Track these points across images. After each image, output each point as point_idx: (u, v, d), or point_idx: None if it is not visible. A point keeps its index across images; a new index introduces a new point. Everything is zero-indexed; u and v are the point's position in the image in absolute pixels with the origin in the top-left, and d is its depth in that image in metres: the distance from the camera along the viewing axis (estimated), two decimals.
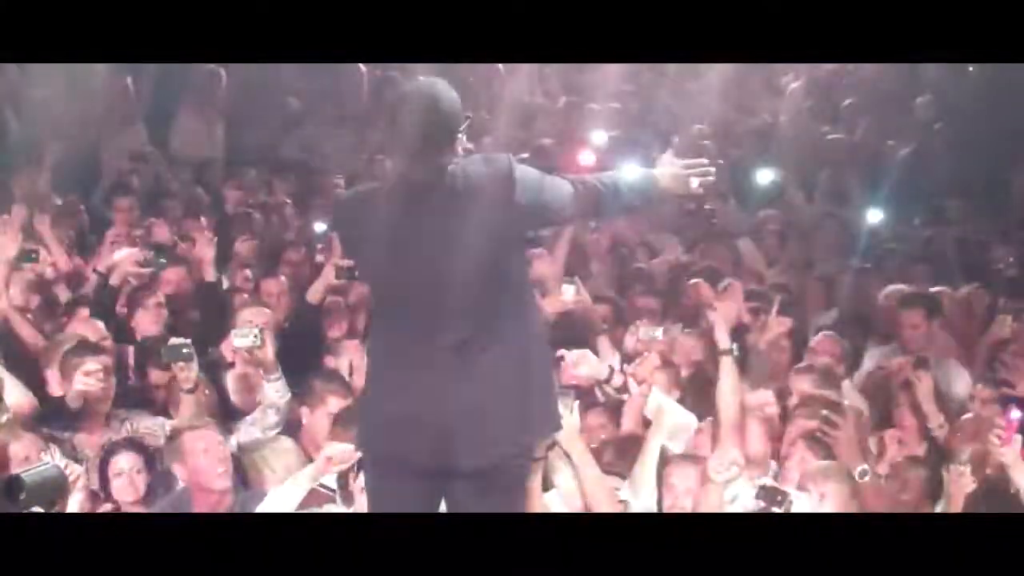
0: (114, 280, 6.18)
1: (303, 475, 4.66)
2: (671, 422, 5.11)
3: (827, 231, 8.29)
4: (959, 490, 4.59)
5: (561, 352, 5.29)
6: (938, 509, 4.84)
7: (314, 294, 6.38)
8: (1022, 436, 4.38)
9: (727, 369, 5.06)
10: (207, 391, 5.37)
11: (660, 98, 11.00)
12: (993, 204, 8.97)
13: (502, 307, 3.62)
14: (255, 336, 5.24)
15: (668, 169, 3.90)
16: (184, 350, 5.07)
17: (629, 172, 3.89)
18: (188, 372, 5.11)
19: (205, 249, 6.58)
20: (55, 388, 5.32)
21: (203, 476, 4.70)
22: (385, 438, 3.74)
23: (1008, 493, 4.44)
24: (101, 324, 5.83)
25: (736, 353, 5.22)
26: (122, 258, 6.24)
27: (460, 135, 3.60)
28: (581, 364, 5.35)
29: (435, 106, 3.57)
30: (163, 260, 6.31)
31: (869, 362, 6.35)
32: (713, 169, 3.94)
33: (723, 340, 5.17)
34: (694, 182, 3.91)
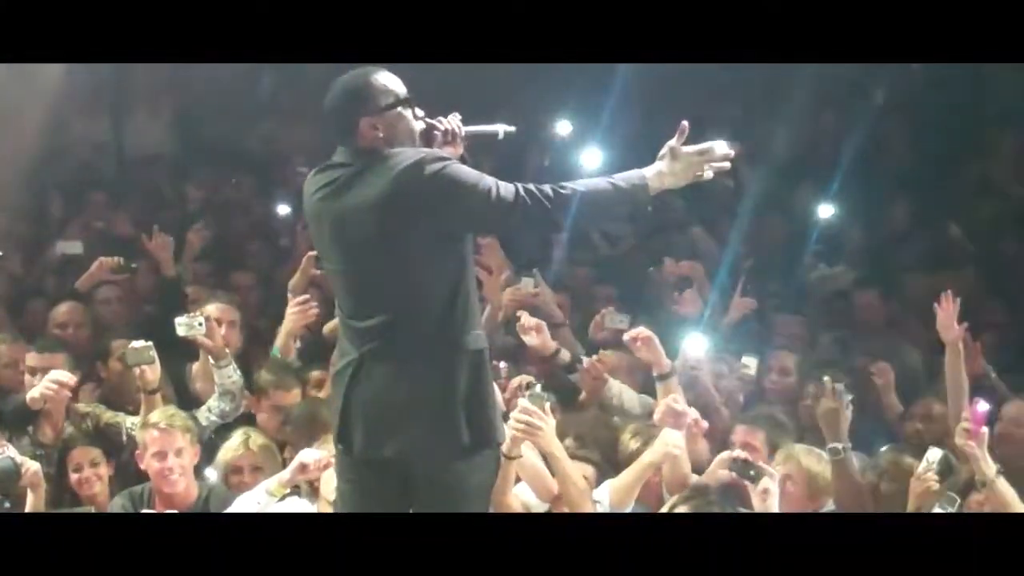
0: (81, 286, 6.15)
1: (275, 480, 4.61)
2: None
3: (772, 225, 8.36)
4: (922, 488, 4.59)
5: (520, 313, 5.31)
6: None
7: (296, 286, 6.40)
8: (988, 428, 4.40)
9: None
10: (165, 390, 5.36)
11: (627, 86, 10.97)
12: (951, 192, 9.04)
13: (424, 304, 3.57)
14: (199, 324, 5.28)
15: (672, 162, 3.63)
16: (148, 352, 5.10)
17: (618, 177, 3.62)
18: (151, 374, 5.11)
19: (163, 246, 6.56)
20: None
21: (157, 477, 4.70)
22: (336, 429, 3.77)
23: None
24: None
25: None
26: (95, 267, 6.20)
27: (367, 120, 3.59)
28: (531, 331, 5.35)
29: (335, 91, 3.67)
30: (134, 266, 6.29)
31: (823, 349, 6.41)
32: (732, 152, 3.66)
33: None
34: (708, 171, 3.67)
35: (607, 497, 4.69)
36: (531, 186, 3.57)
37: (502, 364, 5.35)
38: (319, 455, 4.53)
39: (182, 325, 5.33)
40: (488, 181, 3.55)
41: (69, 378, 5.02)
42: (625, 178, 3.63)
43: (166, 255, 6.53)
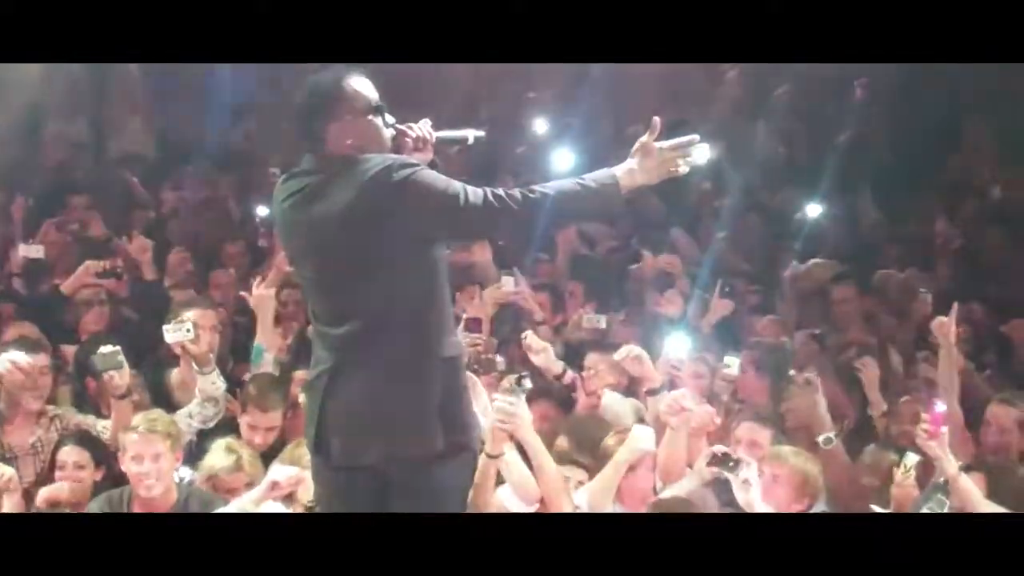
0: (67, 289, 6.09)
1: (247, 500, 4.56)
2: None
3: (750, 224, 8.38)
4: (902, 493, 4.64)
5: (526, 333, 5.33)
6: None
7: (270, 284, 6.36)
8: (947, 428, 4.41)
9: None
10: (137, 395, 5.30)
11: (597, 86, 10.99)
12: (928, 189, 9.09)
13: (397, 311, 3.53)
14: (187, 330, 5.27)
15: (644, 159, 3.56)
16: (117, 357, 5.07)
17: (588, 177, 3.56)
18: (120, 379, 5.08)
19: (142, 249, 6.51)
20: None
21: (134, 481, 4.65)
22: (311, 438, 3.73)
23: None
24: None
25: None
26: (82, 270, 6.16)
27: (336, 127, 3.54)
28: (540, 352, 5.40)
29: (305, 95, 3.63)
30: (119, 272, 6.24)
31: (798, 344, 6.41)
32: (706, 145, 3.57)
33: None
34: (683, 166, 3.60)
35: (585, 500, 4.70)
36: (500, 190, 3.53)
37: (499, 358, 5.36)
38: (291, 472, 4.51)
39: (170, 331, 5.30)
40: (457, 186, 3.51)
41: (27, 362, 4.97)
42: (595, 178, 3.58)
43: (146, 258, 6.47)
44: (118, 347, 5.10)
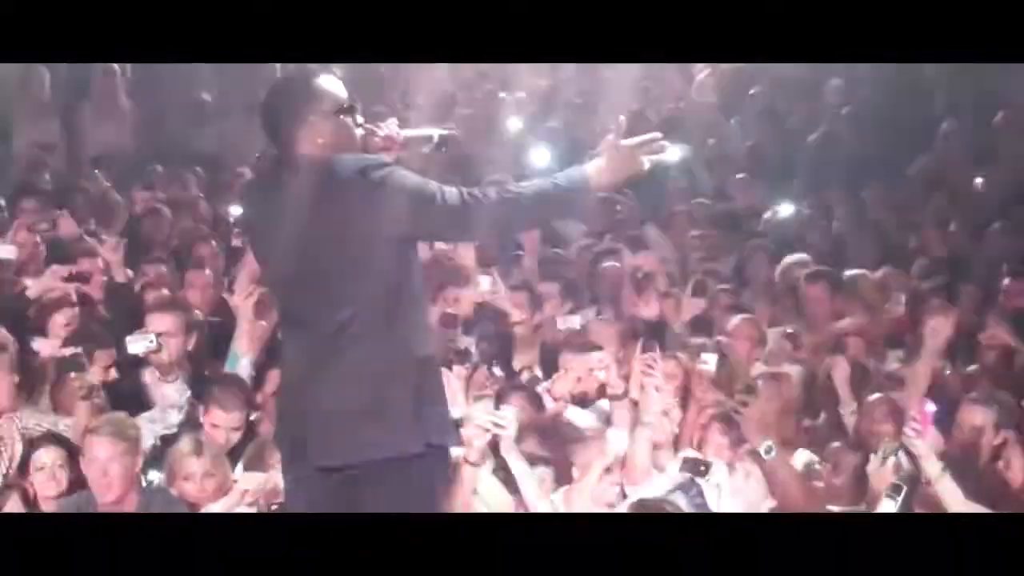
0: (33, 292, 6.05)
1: (216, 508, 4.57)
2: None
3: (724, 223, 8.42)
4: (878, 484, 4.62)
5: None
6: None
7: (240, 286, 6.32)
8: (935, 428, 4.46)
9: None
10: (100, 395, 5.23)
11: (572, 86, 11.02)
12: (899, 187, 9.15)
13: (370, 311, 3.52)
14: (150, 341, 5.33)
15: (610, 158, 3.56)
16: (79, 360, 5.11)
17: (560, 176, 3.56)
18: (81, 380, 5.07)
19: (113, 250, 6.46)
20: None
21: (94, 483, 4.62)
22: (276, 431, 3.74)
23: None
24: None
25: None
26: (47, 275, 6.13)
27: (307, 127, 3.53)
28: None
29: (274, 94, 3.62)
30: (86, 275, 6.19)
31: (772, 343, 6.44)
32: (667, 144, 3.60)
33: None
34: (645, 163, 3.59)
35: (561, 501, 4.74)
36: (475, 190, 3.54)
37: (472, 349, 5.37)
38: (260, 479, 4.52)
39: (134, 343, 5.34)
40: (432, 186, 3.51)
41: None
42: (567, 176, 3.59)
43: (116, 259, 6.43)
44: (79, 349, 5.11)
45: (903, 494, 4.29)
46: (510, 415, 4.69)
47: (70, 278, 5.86)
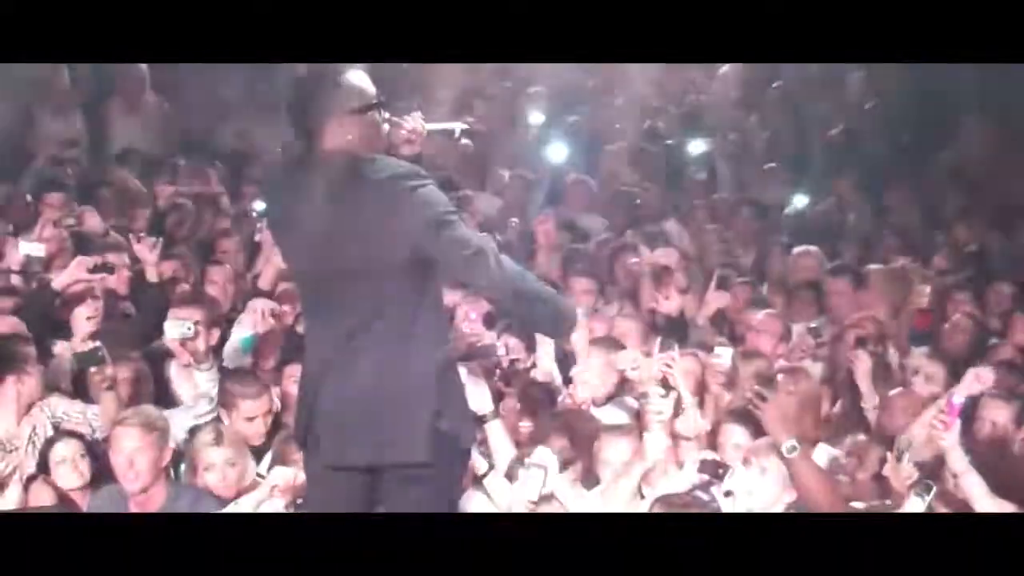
0: (58, 284, 6.08)
1: (245, 502, 4.60)
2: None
3: (745, 217, 8.39)
4: (900, 483, 4.59)
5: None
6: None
7: (266, 281, 6.33)
8: (961, 421, 4.39)
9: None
10: (129, 389, 5.32)
11: (591, 82, 11.01)
12: (924, 183, 9.12)
13: (392, 312, 3.53)
14: (187, 328, 5.34)
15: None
16: (97, 354, 5.12)
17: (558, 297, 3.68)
18: (102, 373, 5.10)
19: (150, 249, 6.49)
20: None
21: (120, 474, 4.66)
22: (296, 429, 3.75)
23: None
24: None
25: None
26: (74, 265, 6.14)
27: (336, 121, 3.55)
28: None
29: (303, 88, 3.64)
30: (111, 266, 6.21)
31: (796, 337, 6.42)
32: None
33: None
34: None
35: (602, 501, 4.74)
36: (493, 244, 3.57)
37: (498, 344, 5.37)
38: (288, 474, 4.54)
39: (171, 328, 5.38)
40: (455, 216, 3.53)
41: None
42: (561, 301, 3.71)
43: (152, 257, 6.46)
44: (98, 343, 5.14)
45: (932, 493, 4.26)
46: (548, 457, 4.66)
47: (95, 268, 5.90)
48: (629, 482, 4.68)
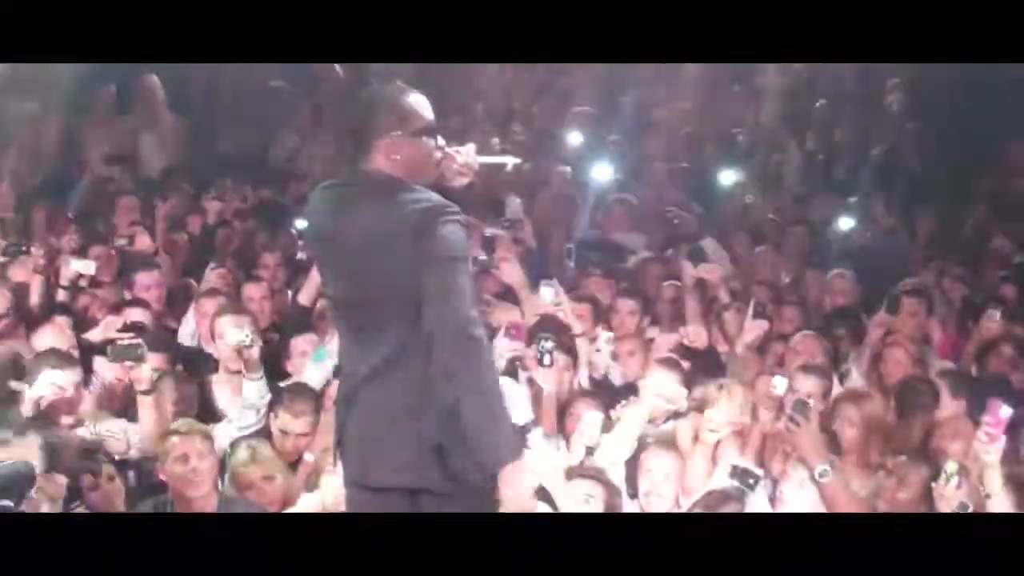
0: (95, 337, 6.01)
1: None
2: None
3: (796, 236, 8.36)
4: (943, 505, 4.51)
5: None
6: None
7: (306, 296, 6.37)
8: (1007, 436, 4.32)
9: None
10: (174, 396, 5.33)
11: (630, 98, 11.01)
12: (965, 202, 9.06)
13: (420, 337, 3.44)
14: (246, 335, 5.33)
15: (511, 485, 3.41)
16: (138, 351, 5.02)
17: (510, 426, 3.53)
18: (139, 373, 5.06)
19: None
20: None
21: (180, 482, 4.67)
22: (336, 452, 3.74)
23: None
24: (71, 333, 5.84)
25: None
26: (102, 326, 6.10)
27: (387, 142, 3.53)
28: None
29: (361, 105, 3.65)
30: (142, 325, 5.97)
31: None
32: None
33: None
34: None
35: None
36: (483, 330, 3.45)
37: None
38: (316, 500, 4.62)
39: (231, 333, 5.37)
40: (466, 279, 3.46)
41: (65, 381, 4.97)
42: (507, 432, 3.48)
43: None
44: (139, 339, 5.08)
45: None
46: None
47: (124, 328, 5.89)
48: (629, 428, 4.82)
